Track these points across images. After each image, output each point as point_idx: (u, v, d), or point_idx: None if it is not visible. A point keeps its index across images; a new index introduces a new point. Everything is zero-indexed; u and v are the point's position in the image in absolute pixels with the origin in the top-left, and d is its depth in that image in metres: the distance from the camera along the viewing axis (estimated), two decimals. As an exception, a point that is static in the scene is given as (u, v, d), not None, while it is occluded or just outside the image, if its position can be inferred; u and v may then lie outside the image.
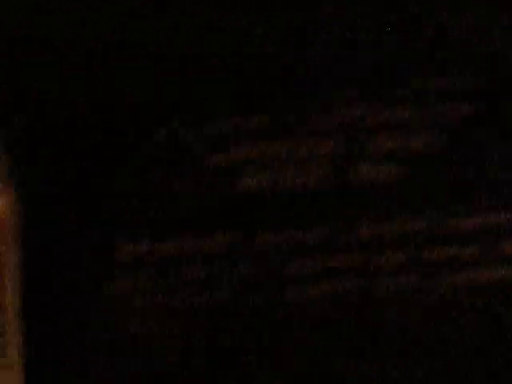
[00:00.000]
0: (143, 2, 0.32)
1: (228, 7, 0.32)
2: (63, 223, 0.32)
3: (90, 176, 0.32)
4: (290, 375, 0.34)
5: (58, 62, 0.32)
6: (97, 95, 0.32)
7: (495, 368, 0.35)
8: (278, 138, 0.33)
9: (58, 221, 0.32)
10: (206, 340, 0.33)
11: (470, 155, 0.35)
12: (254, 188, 0.33)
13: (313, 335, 0.34)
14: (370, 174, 0.34)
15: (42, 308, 0.32)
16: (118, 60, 0.32)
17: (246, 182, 0.33)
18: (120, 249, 0.33)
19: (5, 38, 0.31)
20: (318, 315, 0.34)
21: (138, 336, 0.33)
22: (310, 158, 0.33)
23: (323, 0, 0.33)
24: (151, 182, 0.33)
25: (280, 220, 0.34)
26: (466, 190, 0.35)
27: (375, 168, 0.34)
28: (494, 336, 0.36)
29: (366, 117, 0.34)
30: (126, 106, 0.32)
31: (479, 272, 0.35)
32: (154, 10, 0.32)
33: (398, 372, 0.34)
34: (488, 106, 0.35)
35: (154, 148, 0.32)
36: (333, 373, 0.33)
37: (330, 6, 0.33)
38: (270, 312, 0.33)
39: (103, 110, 0.32)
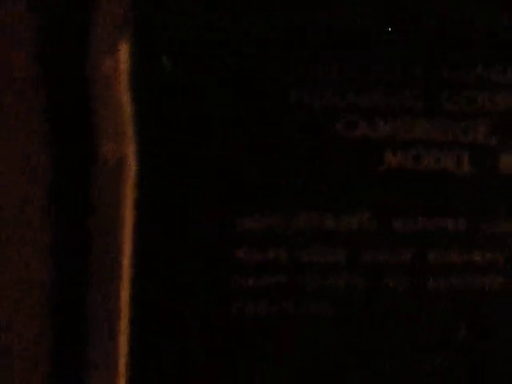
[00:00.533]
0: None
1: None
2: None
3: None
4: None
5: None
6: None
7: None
8: (422, 117, 0.33)
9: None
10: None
11: None
12: (395, 166, 0.33)
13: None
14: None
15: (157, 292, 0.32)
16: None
17: (388, 158, 0.33)
18: (245, 223, 0.33)
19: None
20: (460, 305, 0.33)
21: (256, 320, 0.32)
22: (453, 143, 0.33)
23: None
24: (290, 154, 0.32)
25: (419, 205, 0.33)
26: None
27: None
28: None
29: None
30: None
31: None
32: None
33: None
34: None
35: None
36: None
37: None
38: (411, 297, 0.33)
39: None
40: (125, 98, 0.30)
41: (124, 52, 0.30)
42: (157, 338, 0.31)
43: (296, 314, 0.32)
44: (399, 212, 0.32)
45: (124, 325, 0.31)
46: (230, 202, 0.32)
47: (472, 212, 0.32)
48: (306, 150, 0.32)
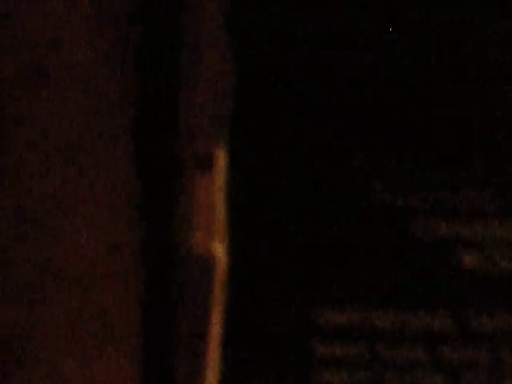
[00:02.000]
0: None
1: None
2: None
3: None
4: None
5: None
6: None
7: None
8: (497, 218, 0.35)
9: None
10: None
11: None
12: (470, 267, 0.34)
13: None
14: None
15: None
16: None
17: (464, 259, 0.34)
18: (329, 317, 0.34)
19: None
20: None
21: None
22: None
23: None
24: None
25: (494, 305, 0.34)
26: None
27: None
28: None
29: None
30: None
31: None
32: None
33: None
34: None
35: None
36: None
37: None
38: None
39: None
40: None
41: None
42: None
43: None
44: (477, 311, 0.33)
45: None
46: (310, 298, 0.33)
47: None
48: (389, 249, 0.33)
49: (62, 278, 0.32)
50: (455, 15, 0.34)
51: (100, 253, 0.32)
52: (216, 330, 0.32)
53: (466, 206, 0.34)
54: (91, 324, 0.32)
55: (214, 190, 0.33)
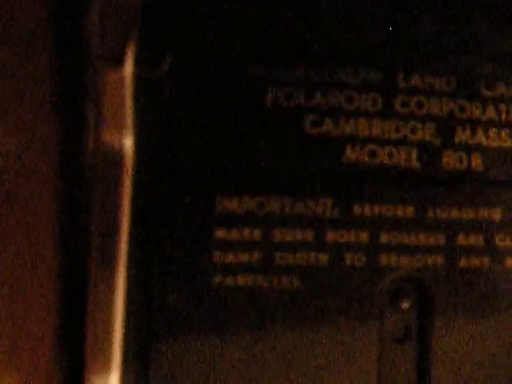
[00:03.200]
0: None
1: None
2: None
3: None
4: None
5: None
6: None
7: None
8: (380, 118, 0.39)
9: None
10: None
11: None
12: (354, 160, 0.38)
13: None
14: (454, 163, 0.39)
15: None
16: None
17: (348, 153, 0.38)
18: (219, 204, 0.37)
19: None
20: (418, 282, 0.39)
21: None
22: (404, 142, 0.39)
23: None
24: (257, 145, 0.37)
25: (373, 194, 0.39)
26: None
27: (459, 157, 0.40)
28: None
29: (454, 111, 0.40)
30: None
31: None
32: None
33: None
34: None
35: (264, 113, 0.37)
36: None
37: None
38: (362, 276, 0.38)
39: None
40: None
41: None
42: (149, 308, 0.36)
43: (268, 286, 0.36)
44: (357, 199, 0.37)
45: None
46: (212, 187, 0.36)
47: (418, 200, 0.38)
48: (279, 145, 0.37)
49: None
50: None
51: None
52: (125, 223, 0.34)
53: (349, 106, 0.37)
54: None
55: (122, 87, 0.34)
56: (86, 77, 0.34)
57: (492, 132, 0.39)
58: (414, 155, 0.38)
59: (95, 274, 0.34)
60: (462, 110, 0.38)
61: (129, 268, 0.34)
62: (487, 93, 0.39)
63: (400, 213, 0.38)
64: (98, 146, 0.34)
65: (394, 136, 0.38)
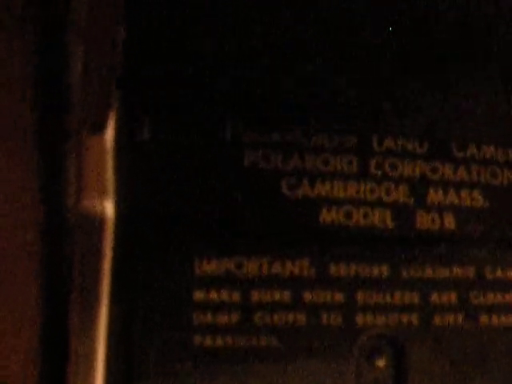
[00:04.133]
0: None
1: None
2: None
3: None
4: None
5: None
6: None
7: None
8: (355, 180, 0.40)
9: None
10: None
11: None
12: (329, 222, 0.39)
13: None
14: (427, 223, 0.40)
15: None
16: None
17: (324, 216, 0.39)
18: (203, 267, 0.38)
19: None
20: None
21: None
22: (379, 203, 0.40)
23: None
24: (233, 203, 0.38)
25: (349, 254, 0.40)
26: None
27: (432, 217, 0.41)
28: None
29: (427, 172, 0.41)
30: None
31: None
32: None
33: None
34: None
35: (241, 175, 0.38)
36: None
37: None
38: (339, 335, 0.39)
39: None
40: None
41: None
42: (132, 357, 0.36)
43: (248, 346, 0.37)
44: (333, 259, 0.38)
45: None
46: (191, 250, 0.37)
47: (393, 260, 0.39)
48: (257, 207, 0.37)
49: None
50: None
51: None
52: (106, 285, 0.35)
53: (326, 168, 0.38)
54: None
55: (104, 151, 0.35)
56: (67, 141, 0.34)
57: (464, 192, 0.40)
58: (389, 216, 0.39)
59: (76, 341, 0.34)
60: (435, 171, 0.40)
61: (109, 330, 0.35)
62: (459, 154, 0.40)
63: (375, 272, 0.38)
64: (78, 209, 0.35)
65: (369, 197, 0.39)
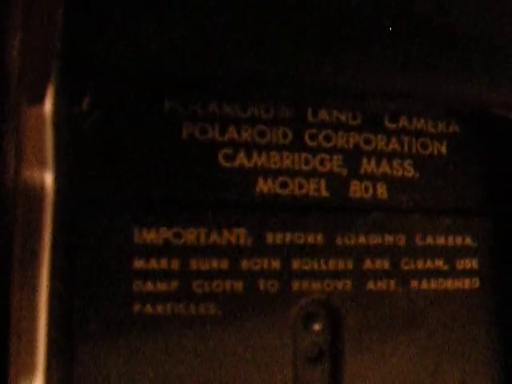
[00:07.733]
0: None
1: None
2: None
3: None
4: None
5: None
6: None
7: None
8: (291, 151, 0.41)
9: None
10: None
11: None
12: (265, 192, 0.40)
13: None
14: (361, 192, 0.42)
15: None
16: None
17: (260, 186, 0.40)
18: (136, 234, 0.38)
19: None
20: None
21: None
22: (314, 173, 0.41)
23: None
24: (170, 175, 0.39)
25: (285, 223, 0.41)
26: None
27: (365, 187, 0.42)
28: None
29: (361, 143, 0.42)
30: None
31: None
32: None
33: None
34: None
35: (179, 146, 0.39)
36: None
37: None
38: (276, 301, 0.40)
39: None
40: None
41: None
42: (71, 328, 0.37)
43: (187, 313, 0.38)
44: (270, 228, 0.39)
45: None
46: (130, 219, 0.38)
47: (327, 228, 0.40)
48: (195, 177, 0.38)
49: None
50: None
51: None
52: (46, 255, 0.35)
53: (262, 140, 0.39)
54: None
55: (43, 123, 0.35)
56: (6, 113, 0.35)
57: (395, 163, 0.41)
58: (323, 185, 0.40)
59: (17, 314, 0.35)
60: (368, 142, 0.41)
61: (50, 301, 0.35)
62: (391, 126, 0.41)
63: (310, 240, 0.40)
64: (18, 181, 0.35)
65: (304, 167, 0.40)
